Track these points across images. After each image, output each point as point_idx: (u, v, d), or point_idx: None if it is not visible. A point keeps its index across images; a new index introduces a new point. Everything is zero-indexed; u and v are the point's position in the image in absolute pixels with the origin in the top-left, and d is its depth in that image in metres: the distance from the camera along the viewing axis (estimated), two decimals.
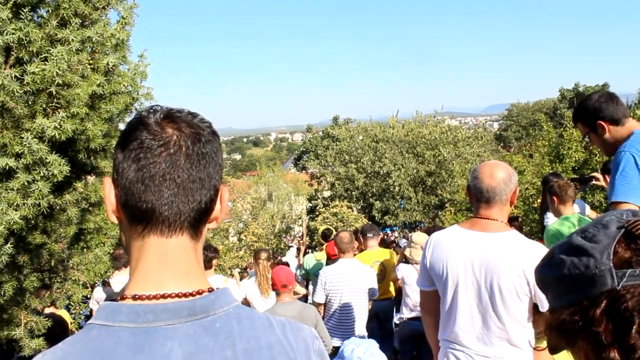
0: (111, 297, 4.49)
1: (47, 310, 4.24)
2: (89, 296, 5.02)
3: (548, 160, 11.79)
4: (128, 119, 2.99)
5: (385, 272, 5.01)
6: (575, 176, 7.03)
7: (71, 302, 4.66)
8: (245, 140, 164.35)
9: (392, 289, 5.07)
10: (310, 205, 24.51)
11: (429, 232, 4.01)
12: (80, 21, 2.49)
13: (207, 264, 4.39)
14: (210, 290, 0.78)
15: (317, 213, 19.64)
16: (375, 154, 20.84)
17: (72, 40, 2.34)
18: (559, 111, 37.77)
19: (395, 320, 5.10)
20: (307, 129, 43.68)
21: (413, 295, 4.31)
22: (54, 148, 2.37)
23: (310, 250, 9.56)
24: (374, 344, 3.07)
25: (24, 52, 2.25)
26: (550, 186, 3.73)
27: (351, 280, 4.22)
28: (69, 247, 3.28)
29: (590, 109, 2.36)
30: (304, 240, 9.40)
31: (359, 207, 21.18)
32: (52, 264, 3.06)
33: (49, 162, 2.30)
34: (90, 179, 3.15)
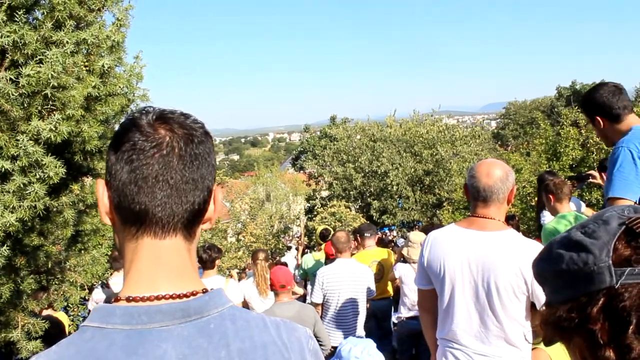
0: (111, 298, 4.47)
1: (45, 313, 4.24)
2: (86, 298, 5.01)
3: (545, 158, 11.82)
4: None
5: (383, 272, 5.01)
6: (572, 174, 7.04)
7: (69, 304, 4.65)
8: (243, 140, 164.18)
9: (390, 288, 5.07)
10: (308, 205, 24.51)
11: (427, 230, 4.01)
12: (75, 23, 2.49)
13: (210, 264, 4.37)
14: (205, 291, 0.78)
15: (315, 213, 19.65)
16: (373, 153, 20.85)
17: (67, 42, 2.33)
18: (556, 109, 37.80)
19: (394, 319, 5.10)
20: (305, 128, 43.64)
21: (411, 295, 4.31)
22: (49, 150, 2.36)
23: (308, 251, 9.55)
24: (371, 344, 3.06)
25: (19, 55, 2.24)
26: (546, 185, 3.73)
27: (348, 279, 4.22)
28: (66, 249, 3.28)
29: (592, 103, 2.36)
30: (301, 240, 9.40)
31: (357, 207, 21.20)
32: (49, 266, 3.06)
33: (45, 164, 2.29)
34: (87, 180, 3.15)
